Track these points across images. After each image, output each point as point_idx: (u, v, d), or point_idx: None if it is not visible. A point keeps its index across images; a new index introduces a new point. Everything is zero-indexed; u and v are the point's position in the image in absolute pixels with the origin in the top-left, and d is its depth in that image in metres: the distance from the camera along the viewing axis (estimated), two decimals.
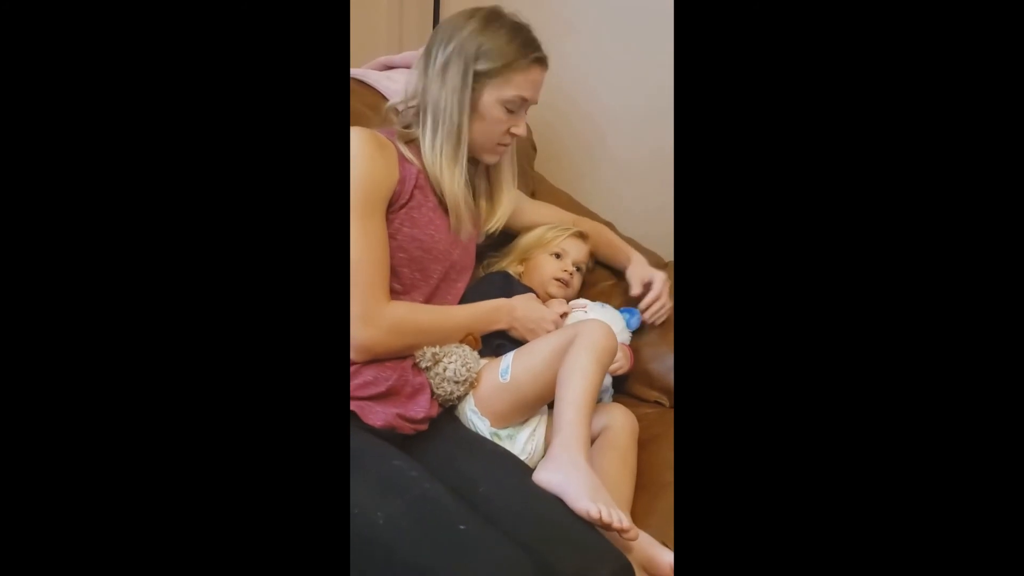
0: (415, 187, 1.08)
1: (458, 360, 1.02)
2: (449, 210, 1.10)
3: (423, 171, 1.09)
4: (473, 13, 1.09)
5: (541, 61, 1.10)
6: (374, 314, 0.97)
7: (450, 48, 1.06)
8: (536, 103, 1.15)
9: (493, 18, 1.09)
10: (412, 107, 1.12)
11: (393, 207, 1.05)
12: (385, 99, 1.39)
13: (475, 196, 1.20)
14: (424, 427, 1.00)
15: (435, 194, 1.10)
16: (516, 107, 1.09)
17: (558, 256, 1.30)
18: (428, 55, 1.09)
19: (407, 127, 1.12)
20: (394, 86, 1.41)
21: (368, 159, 1.01)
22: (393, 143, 1.09)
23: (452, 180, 1.08)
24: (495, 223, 1.24)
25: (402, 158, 1.08)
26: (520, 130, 1.11)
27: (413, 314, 1.04)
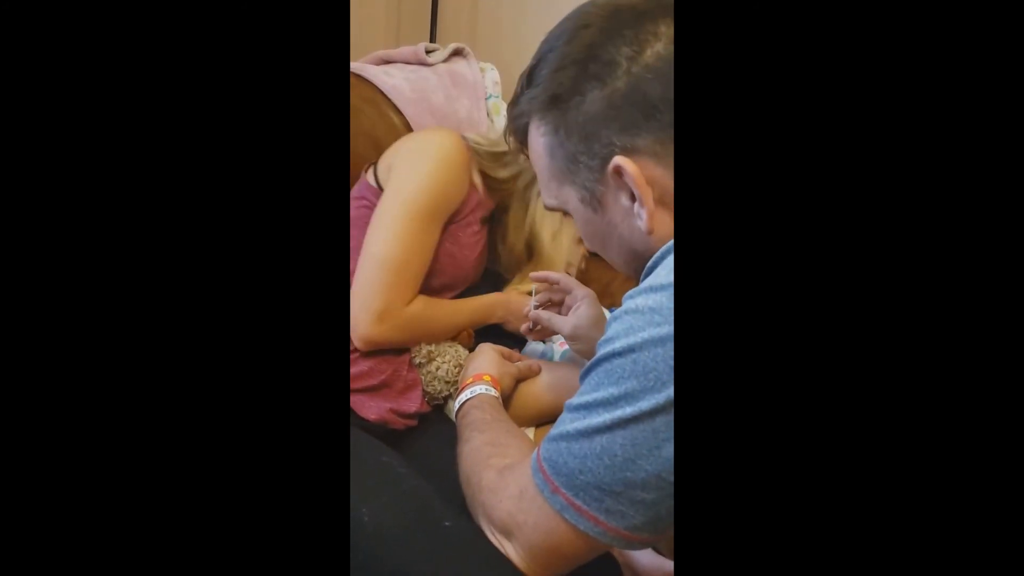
0: (471, 211, 1.07)
1: (451, 360, 1.03)
2: (502, 245, 1.13)
3: (482, 199, 1.09)
4: None
5: None
6: (393, 313, 0.97)
7: None
8: None
9: None
10: None
11: (447, 221, 1.05)
12: (382, 93, 1.38)
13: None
14: (414, 423, 1.01)
15: (480, 221, 1.10)
16: None
17: None
18: None
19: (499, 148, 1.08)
20: (391, 80, 1.40)
21: (452, 167, 1.00)
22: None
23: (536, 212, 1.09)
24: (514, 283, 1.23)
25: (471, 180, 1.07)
26: None
27: (426, 310, 1.03)
